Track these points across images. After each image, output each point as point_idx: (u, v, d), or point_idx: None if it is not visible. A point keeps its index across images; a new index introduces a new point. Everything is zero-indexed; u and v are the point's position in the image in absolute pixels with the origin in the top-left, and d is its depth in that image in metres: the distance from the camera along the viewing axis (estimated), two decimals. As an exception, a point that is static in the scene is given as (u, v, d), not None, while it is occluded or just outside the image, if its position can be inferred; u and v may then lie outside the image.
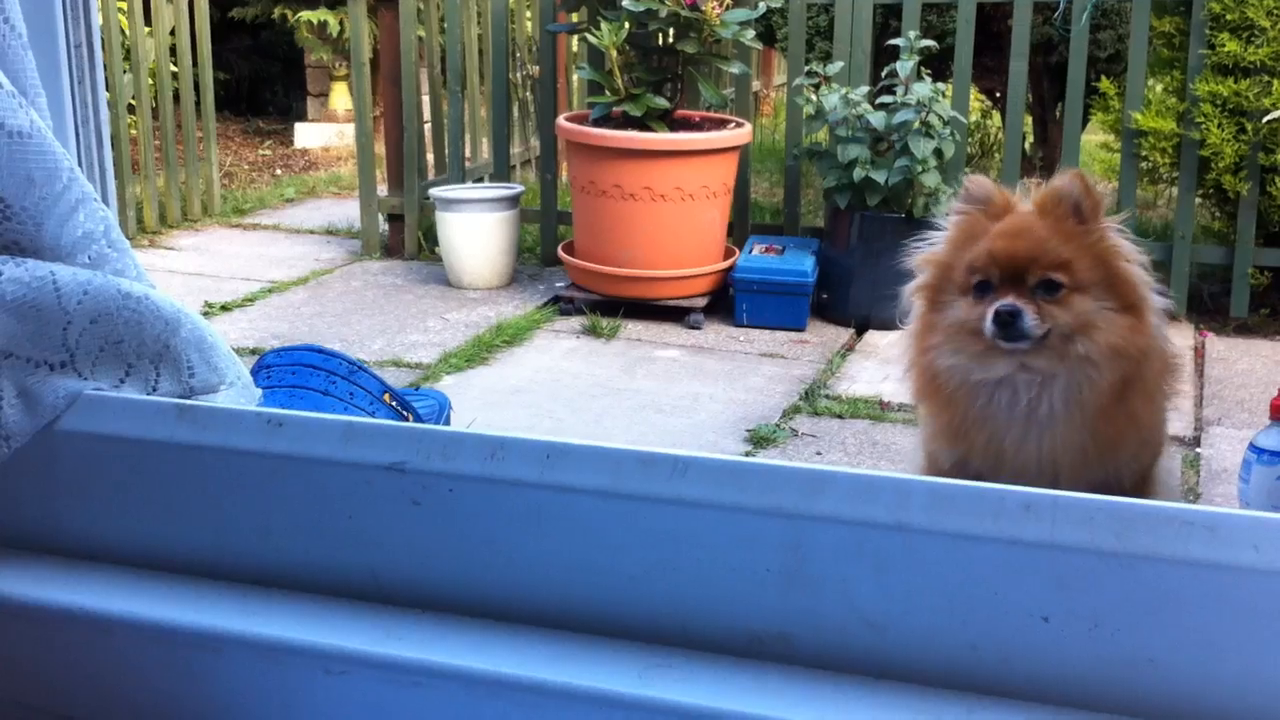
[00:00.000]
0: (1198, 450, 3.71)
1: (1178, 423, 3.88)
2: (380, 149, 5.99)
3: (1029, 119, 6.66)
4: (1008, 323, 2.12)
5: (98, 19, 1.35)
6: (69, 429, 1.10)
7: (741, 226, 5.41)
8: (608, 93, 5.05)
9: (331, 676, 0.98)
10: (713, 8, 4.87)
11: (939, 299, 2.26)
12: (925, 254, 2.32)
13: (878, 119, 4.79)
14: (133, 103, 6.26)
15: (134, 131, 6.38)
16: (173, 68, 6.43)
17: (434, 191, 5.46)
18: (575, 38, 6.21)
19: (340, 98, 8.52)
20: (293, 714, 1.01)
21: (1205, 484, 3.47)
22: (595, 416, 4.03)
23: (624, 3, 4.81)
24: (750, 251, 5.06)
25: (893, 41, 5.04)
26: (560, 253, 5.25)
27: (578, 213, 5.16)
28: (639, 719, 0.91)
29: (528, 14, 6.66)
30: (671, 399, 4.19)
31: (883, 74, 5.04)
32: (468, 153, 6.14)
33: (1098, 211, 2.19)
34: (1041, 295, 2.15)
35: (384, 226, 5.93)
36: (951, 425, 2.31)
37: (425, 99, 5.95)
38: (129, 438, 1.09)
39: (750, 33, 5.12)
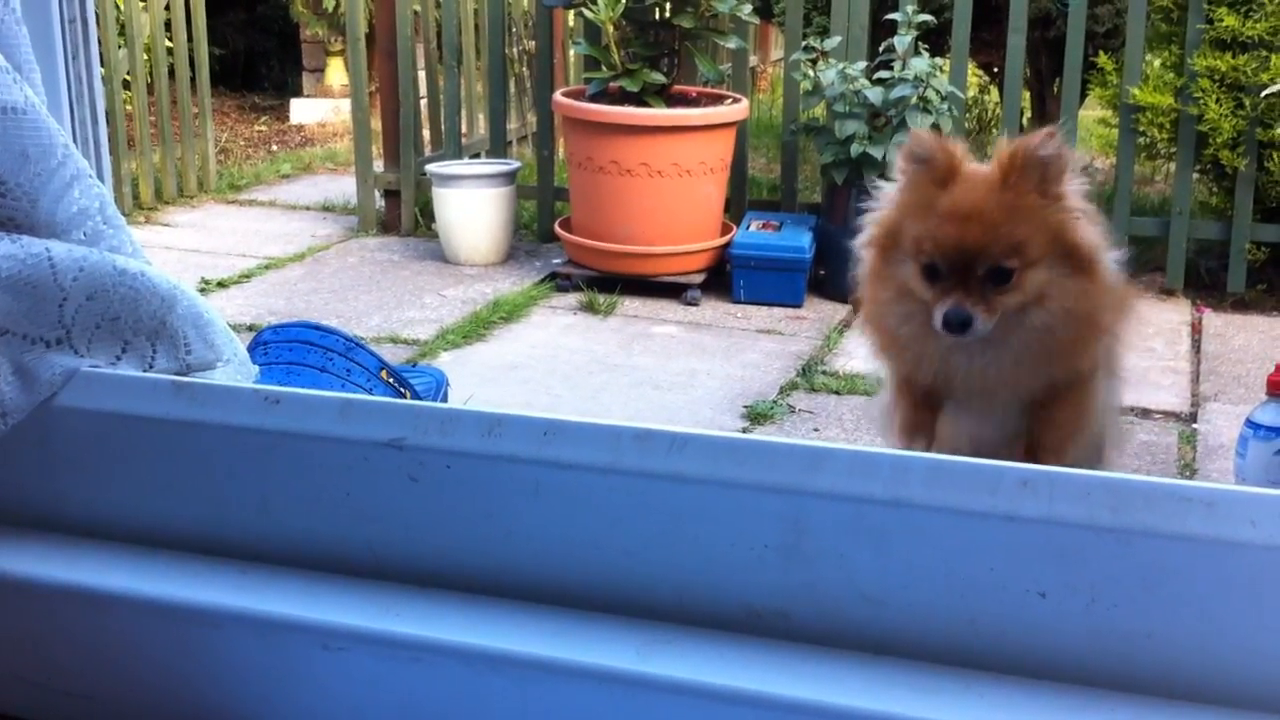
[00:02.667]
0: (1194, 426, 3.71)
1: (1174, 398, 3.89)
2: (376, 124, 5.97)
3: (1027, 94, 6.65)
4: (956, 327, 2.08)
5: (92, -6, 1.34)
6: (65, 406, 1.10)
7: (739, 202, 5.40)
8: (604, 68, 5.03)
9: (330, 652, 0.98)
10: (710, -18, 4.86)
11: (889, 255, 2.20)
12: (874, 214, 2.25)
13: (875, 94, 4.77)
14: (128, 78, 6.23)
15: (129, 107, 6.35)
16: (168, 43, 6.40)
17: (430, 167, 5.45)
18: (571, 12, 6.18)
19: (336, 73, 8.49)
20: (291, 689, 1.01)
21: (1202, 459, 3.47)
22: (592, 393, 4.04)
23: (621, -23, 4.79)
24: (748, 227, 5.05)
25: (890, 16, 5.02)
26: (557, 229, 5.24)
27: (575, 189, 5.15)
28: (637, 694, 0.91)
29: (524, -11, 6.64)
30: (669, 375, 4.19)
31: (880, 49, 5.03)
32: (464, 128, 6.12)
33: (1063, 178, 2.08)
34: (992, 285, 2.08)
35: (380, 202, 5.92)
36: (907, 371, 2.32)
37: (421, 74, 5.93)
38: (126, 414, 1.09)
39: (747, 7, 5.10)
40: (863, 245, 2.26)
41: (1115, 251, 2.16)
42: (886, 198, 2.23)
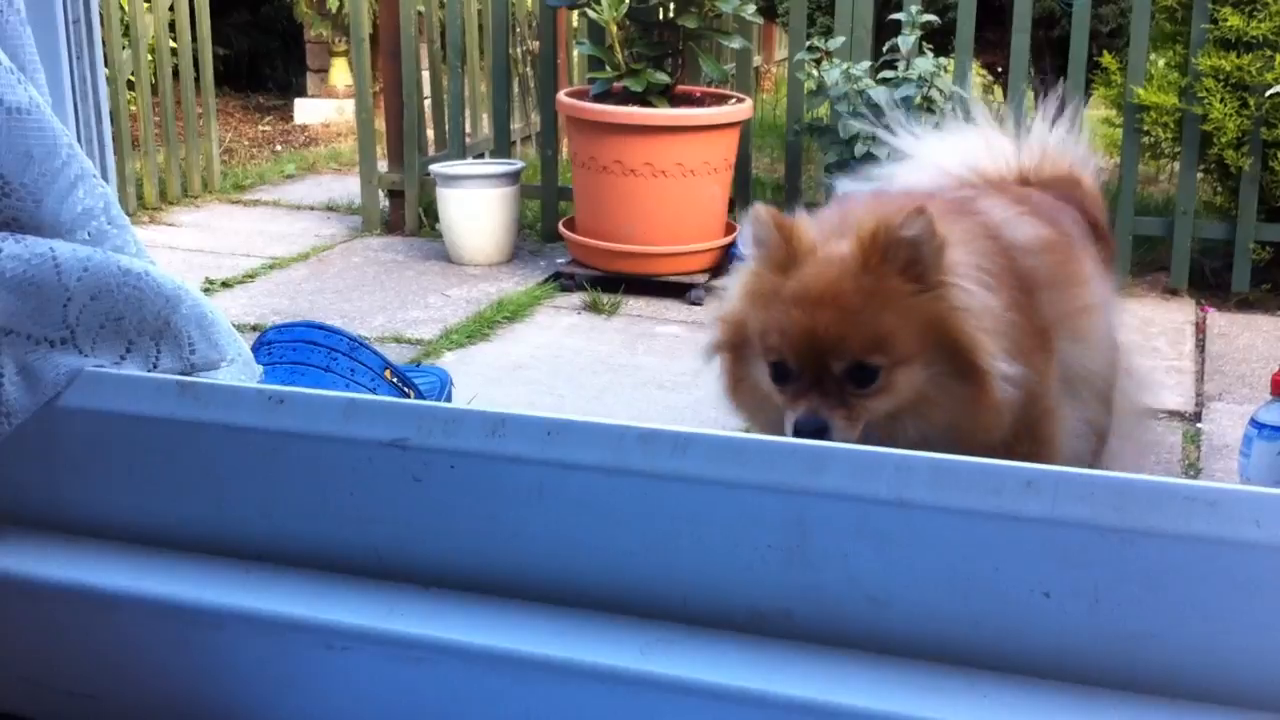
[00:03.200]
0: (1198, 426, 3.71)
1: (1178, 397, 3.88)
2: (380, 125, 5.97)
3: (1031, 94, 6.64)
4: (809, 438, 1.70)
5: (96, -6, 1.34)
6: (70, 406, 1.10)
7: (743, 202, 5.40)
8: (608, 68, 5.03)
9: (333, 653, 0.98)
10: (714, -18, 4.86)
11: (740, 356, 1.88)
12: (720, 311, 1.93)
13: (879, 94, 4.77)
14: (132, 79, 6.24)
15: (134, 108, 6.36)
16: (172, 43, 6.40)
17: (434, 167, 5.45)
18: (575, 12, 6.18)
19: (340, 73, 8.49)
20: (295, 690, 1.01)
21: (1206, 459, 3.47)
22: (596, 392, 4.04)
23: (624, -23, 4.79)
24: (751, 227, 5.05)
25: (894, 16, 5.02)
26: (561, 229, 5.24)
27: (578, 189, 5.15)
28: (640, 694, 0.91)
29: (528, -11, 6.64)
30: (673, 375, 4.19)
31: (884, 49, 5.03)
32: (468, 128, 6.12)
33: (940, 259, 1.72)
34: (853, 386, 1.73)
35: (384, 202, 5.92)
36: None
37: (425, 74, 5.93)
38: (130, 414, 1.09)
39: (751, 7, 5.10)
40: (711, 350, 1.94)
41: (1013, 367, 1.74)
42: (731, 291, 1.91)
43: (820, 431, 1.71)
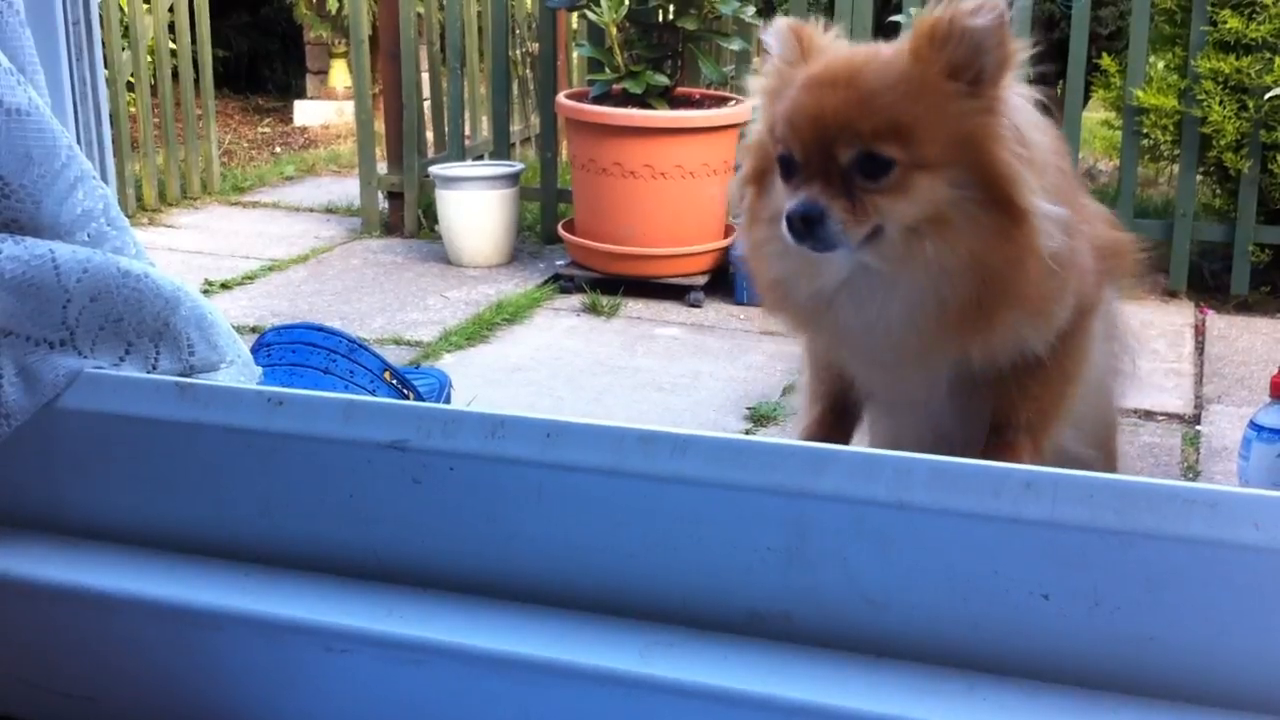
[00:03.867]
0: (1197, 428, 3.71)
1: (1177, 400, 3.88)
2: (380, 126, 5.97)
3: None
4: (803, 231, 1.51)
5: (96, -4, 1.34)
6: (69, 407, 1.10)
7: (742, 204, 5.40)
8: (608, 70, 5.03)
9: (332, 654, 0.98)
10: (713, -16, 4.86)
11: (764, 184, 1.66)
12: (746, 139, 1.73)
13: (878, 96, 4.77)
14: (131, 80, 6.23)
15: (133, 109, 6.35)
16: (172, 45, 6.40)
17: (434, 169, 5.45)
18: (575, 14, 6.18)
19: (339, 75, 8.49)
20: (294, 691, 1.01)
21: (1205, 461, 3.47)
22: (595, 394, 4.03)
23: (624, -21, 4.80)
24: (751, 229, 5.05)
25: (894, 18, 5.02)
26: (560, 231, 5.24)
27: (578, 190, 5.14)
28: (640, 696, 0.91)
29: (527, -10, 6.64)
30: (672, 377, 4.19)
31: (884, 51, 5.02)
32: (467, 130, 6.12)
33: (1002, 72, 1.51)
34: (861, 178, 1.51)
35: (384, 204, 5.92)
36: (802, 333, 1.85)
37: (425, 76, 5.93)
38: (129, 416, 1.09)
39: (751, 9, 5.10)
40: (740, 185, 1.74)
41: (1057, 208, 1.54)
42: (755, 110, 1.71)
43: (815, 220, 1.49)
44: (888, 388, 1.81)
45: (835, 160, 1.51)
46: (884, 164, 1.50)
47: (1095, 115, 6.39)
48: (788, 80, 1.59)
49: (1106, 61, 5.19)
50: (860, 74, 1.53)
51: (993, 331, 1.62)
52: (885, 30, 5.29)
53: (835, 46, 1.63)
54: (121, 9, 6.25)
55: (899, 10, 5.02)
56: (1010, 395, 1.72)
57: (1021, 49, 1.53)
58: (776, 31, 1.65)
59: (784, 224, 1.52)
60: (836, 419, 1.84)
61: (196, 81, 6.48)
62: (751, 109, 1.73)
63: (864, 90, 1.52)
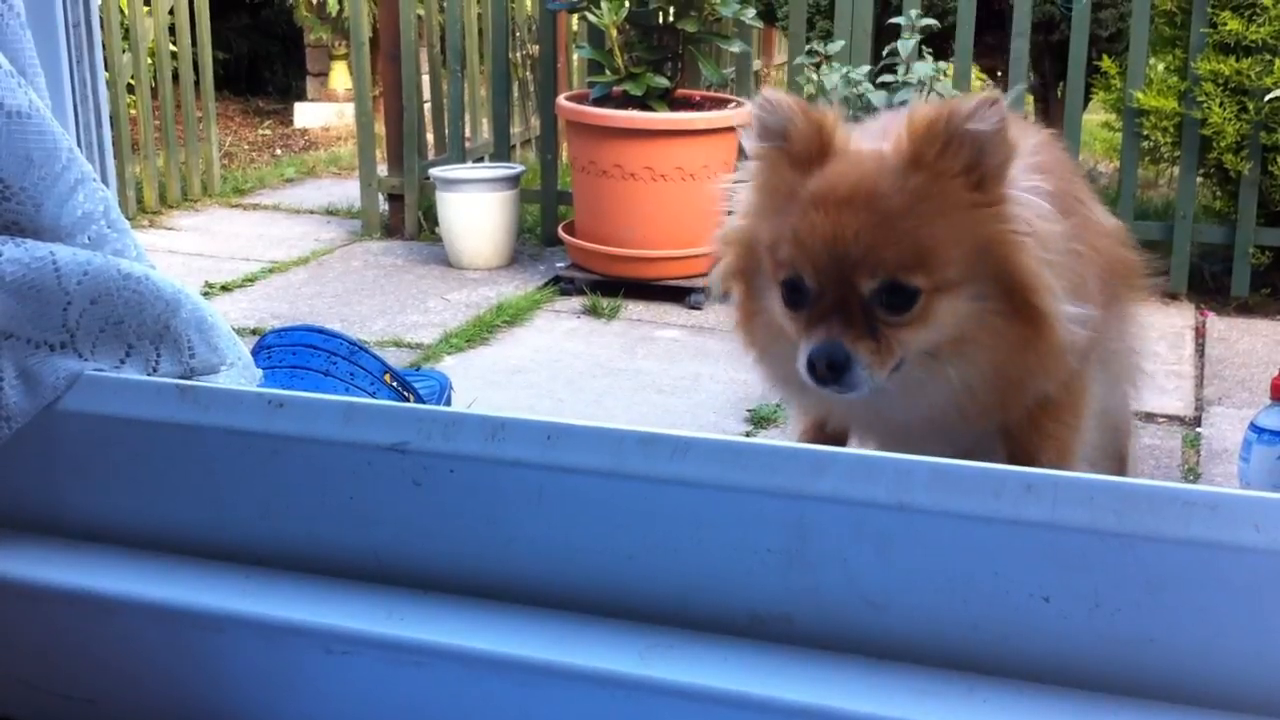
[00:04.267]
0: (1198, 430, 3.71)
1: (1178, 402, 3.88)
2: (380, 129, 5.97)
3: (1030, 98, 6.65)
4: (827, 378, 1.40)
5: (96, -2, 1.34)
6: (70, 410, 1.10)
7: (742, 206, 5.40)
8: (608, 72, 5.03)
9: (333, 656, 0.98)
10: (713, -14, 4.86)
11: (754, 283, 1.55)
12: (725, 229, 1.59)
13: (879, 98, 4.77)
14: (132, 82, 6.24)
15: (133, 111, 6.35)
16: (172, 47, 6.40)
17: (434, 171, 5.45)
18: (575, 16, 6.18)
19: (340, 77, 8.49)
20: (294, 693, 1.01)
21: (1205, 464, 3.47)
22: (596, 397, 4.03)
23: (624, -19, 4.80)
24: (751, 231, 5.05)
25: (894, 20, 5.02)
26: (561, 233, 5.24)
27: (578, 193, 5.14)
28: (640, 698, 0.91)
29: (528, -7, 6.64)
30: (672, 379, 4.18)
31: (884, 53, 5.03)
32: (468, 132, 6.12)
33: (1004, 172, 1.41)
34: (884, 311, 1.40)
35: (384, 206, 5.92)
36: (812, 426, 1.74)
37: (425, 78, 5.93)
38: (130, 418, 1.09)
39: (751, 11, 5.10)
40: (719, 280, 1.61)
41: (1079, 309, 1.47)
42: (738, 203, 1.56)
43: (840, 367, 1.39)
44: (886, 449, 1.73)
45: (855, 290, 1.40)
46: (910, 294, 1.39)
47: (1095, 117, 6.39)
48: (790, 188, 1.44)
49: (1107, 63, 5.19)
50: (877, 191, 1.39)
51: (1011, 417, 1.60)
52: (886, 33, 5.29)
53: (851, 144, 1.46)
54: (122, 11, 6.25)
55: (899, 13, 5.02)
56: (1029, 440, 1.65)
57: (1021, 142, 1.44)
58: (774, 108, 1.45)
59: (803, 366, 1.41)
60: (822, 436, 1.77)
61: (197, 84, 6.49)
62: (728, 192, 1.57)
63: (885, 212, 1.38)
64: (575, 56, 6.77)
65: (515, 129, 6.32)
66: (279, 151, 7.88)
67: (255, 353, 2.11)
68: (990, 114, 1.39)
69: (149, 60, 6.30)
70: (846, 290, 1.40)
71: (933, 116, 1.40)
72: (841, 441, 1.79)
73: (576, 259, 5.11)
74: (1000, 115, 1.40)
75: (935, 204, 1.39)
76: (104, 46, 1.41)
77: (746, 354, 1.66)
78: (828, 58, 5.01)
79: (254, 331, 4.26)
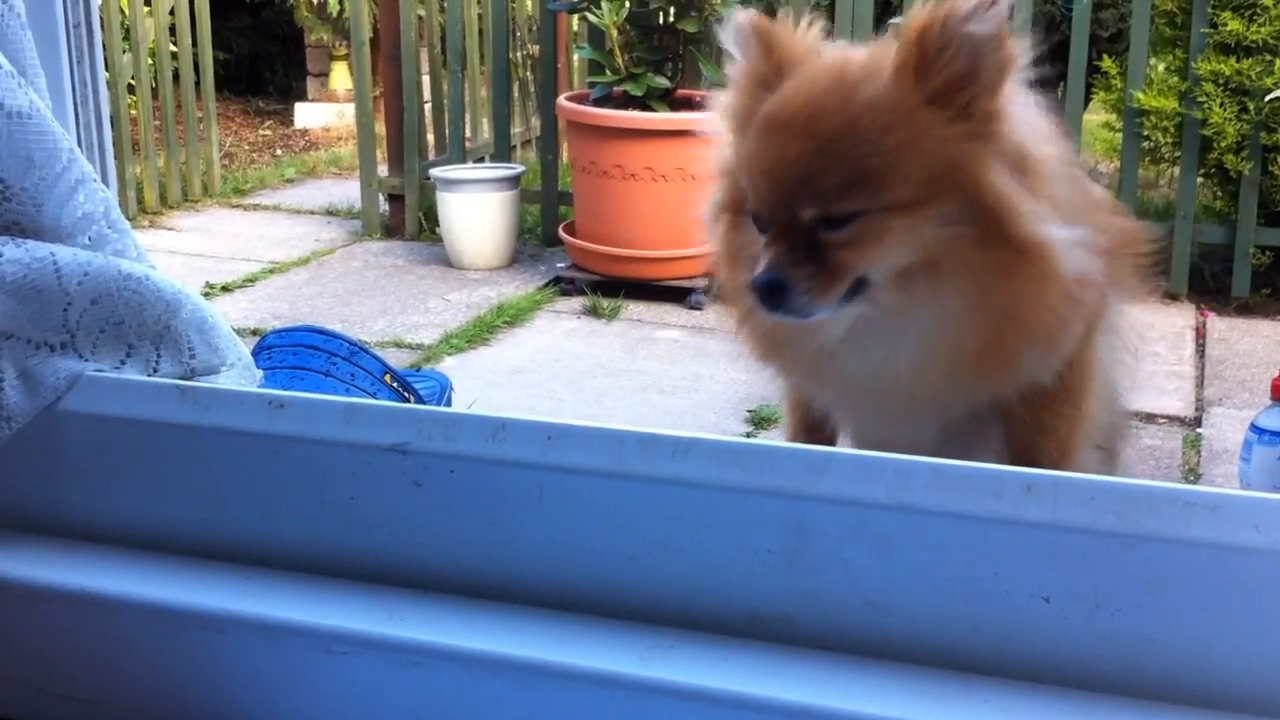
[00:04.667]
0: (1198, 431, 3.71)
1: (1178, 402, 3.88)
2: (381, 129, 5.97)
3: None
4: (772, 304, 1.37)
5: (97, -2, 1.35)
6: (70, 410, 1.10)
7: (742, 206, 5.39)
8: (608, 72, 5.03)
9: (333, 657, 0.98)
10: (714, -14, 4.86)
11: (740, 211, 1.50)
12: (721, 164, 1.57)
13: (879, 98, 4.77)
14: (132, 82, 6.24)
15: (134, 111, 6.35)
16: (172, 47, 6.41)
17: (434, 172, 5.45)
18: (576, 16, 6.18)
19: (340, 77, 8.49)
20: (295, 694, 1.01)
21: (1206, 464, 3.47)
22: (596, 397, 4.03)
23: (625, -18, 4.80)
24: (751, 231, 5.05)
25: (895, 20, 5.03)
26: (561, 233, 5.24)
27: (579, 193, 5.14)
28: (640, 699, 0.91)
29: (528, -7, 6.64)
30: (672, 379, 4.19)
31: (884, 53, 5.02)
32: (468, 133, 6.12)
33: (1001, 82, 1.33)
34: (824, 231, 1.35)
35: (384, 207, 5.92)
36: (801, 386, 1.68)
37: (425, 79, 5.93)
38: (130, 419, 1.09)
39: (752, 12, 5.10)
40: (709, 215, 1.58)
41: (1073, 231, 1.38)
42: (720, 132, 1.55)
43: (776, 292, 1.35)
44: (876, 433, 1.68)
45: (795, 219, 1.37)
46: (847, 218, 1.35)
47: (1096, 117, 6.39)
48: (756, 100, 1.42)
49: (1107, 64, 5.19)
50: (822, 111, 1.35)
51: (1012, 371, 1.50)
52: (888, 33, 5.29)
53: (812, 50, 1.44)
54: (122, 11, 6.25)
55: (899, 13, 5.02)
56: (1027, 435, 1.59)
57: (1022, 52, 1.37)
58: (737, 31, 1.44)
59: (753, 298, 1.39)
60: (810, 435, 1.74)
61: (197, 84, 6.49)
62: (719, 123, 1.55)
63: (824, 136, 1.34)
64: (576, 57, 6.77)
65: (516, 129, 6.32)
66: (279, 152, 7.88)
67: (256, 353, 2.11)
68: (990, 15, 1.30)
69: (149, 60, 6.30)
70: (790, 216, 1.37)
71: (927, 20, 1.33)
72: (832, 441, 1.75)
73: (577, 259, 5.11)
74: (999, 15, 1.30)
75: (894, 115, 1.33)
76: (104, 47, 1.42)
77: (730, 307, 1.59)
78: (828, 58, 5.01)
79: (254, 332, 4.26)
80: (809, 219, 1.36)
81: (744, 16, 1.46)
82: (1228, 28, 4.63)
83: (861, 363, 1.50)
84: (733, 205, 1.51)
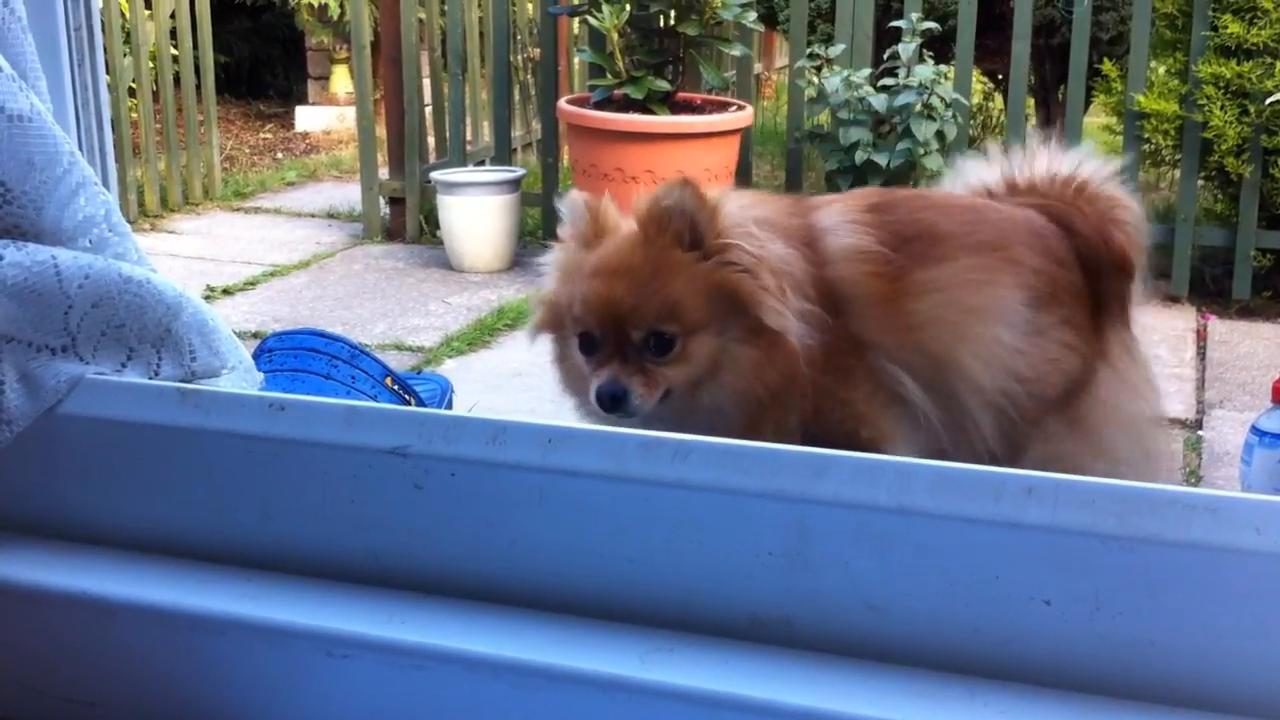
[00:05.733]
0: (1199, 433, 3.70)
1: (1179, 405, 3.88)
2: (381, 132, 5.97)
3: (1031, 101, 6.65)
4: (611, 407, 1.77)
5: (97, 2, 1.34)
6: (71, 413, 1.10)
7: (743, 209, 5.39)
8: (609, 75, 5.03)
9: (334, 659, 0.98)
10: (714, -10, 4.86)
11: (561, 334, 1.91)
12: (538, 291, 1.98)
13: (879, 101, 4.77)
14: (133, 86, 6.24)
15: (134, 115, 6.36)
16: (173, 50, 6.41)
17: (435, 175, 5.45)
18: (576, 20, 6.19)
19: (341, 81, 8.50)
20: (295, 696, 1.01)
21: (1207, 467, 3.46)
22: (597, 400, 4.03)
23: (625, -15, 4.80)
24: (752, 234, 5.05)
25: (895, 23, 5.03)
26: (562, 236, 5.24)
27: (579, 196, 5.15)
28: (641, 701, 0.91)
29: (529, -4, 6.65)
30: (673, 382, 4.18)
31: (885, 56, 5.03)
32: (469, 136, 6.12)
33: (714, 228, 1.78)
34: (651, 355, 1.78)
35: (385, 210, 5.92)
36: None
37: (426, 82, 5.93)
38: (131, 422, 1.09)
39: (752, 14, 5.10)
40: (534, 330, 1.98)
41: (797, 306, 1.79)
42: (548, 271, 1.95)
43: (619, 398, 1.76)
44: None
45: (629, 339, 1.77)
46: (668, 339, 1.77)
47: (1096, 120, 6.39)
48: (579, 262, 1.83)
49: (1108, 66, 5.20)
50: (631, 263, 1.78)
51: (780, 431, 1.83)
52: (887, 36, 5.29)
53: (618, 221, 1.85)
54: (123, 15, 6.26)
55: (900, 16, 5.03)
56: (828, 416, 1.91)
57: (714, 205, 1.78)
58: (572, 206, 1.89)
59: (593, 399, 1.78)
60: None
61: (198, 87, 6.49)
62: (547, 265, 1.95)
63: (638, 278, 1.77)
64: (576, 60, 6.78)
65: (516, 132, 6.32)
66: (280, 155, 7.89)
67: (256, 356, 2.11)
68: (676, 191, 1.77)
69: (150, 64, 6.31)
70: (622, 339, 1.78)
71: (645, 204, 1.79)
72: None
73: (577, 262, 5.11)
74: (688, 189, 1.77)
75: (669, 268, 1.78)
76: (105, 50, 1.41)
77: (560, 390, 1.99)
78: (829, 61, 5.01)
79: (255, 335, 4.26)
80: (639, 339, 1.78)
81: (577, 195, 1.92)
82: (1228, 30, 4.63)
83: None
84: (556, 326, 1.92)
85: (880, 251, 1.91)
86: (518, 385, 4.15)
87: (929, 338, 1.91)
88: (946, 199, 2.17)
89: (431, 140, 6.05)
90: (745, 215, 1.83)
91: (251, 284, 5.18)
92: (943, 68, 4.95)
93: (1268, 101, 4.55)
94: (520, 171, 5.59)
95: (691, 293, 1.78)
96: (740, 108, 5.17)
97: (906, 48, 4.83)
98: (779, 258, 1.81)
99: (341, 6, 7.84)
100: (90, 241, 1.13)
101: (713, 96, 5.32)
